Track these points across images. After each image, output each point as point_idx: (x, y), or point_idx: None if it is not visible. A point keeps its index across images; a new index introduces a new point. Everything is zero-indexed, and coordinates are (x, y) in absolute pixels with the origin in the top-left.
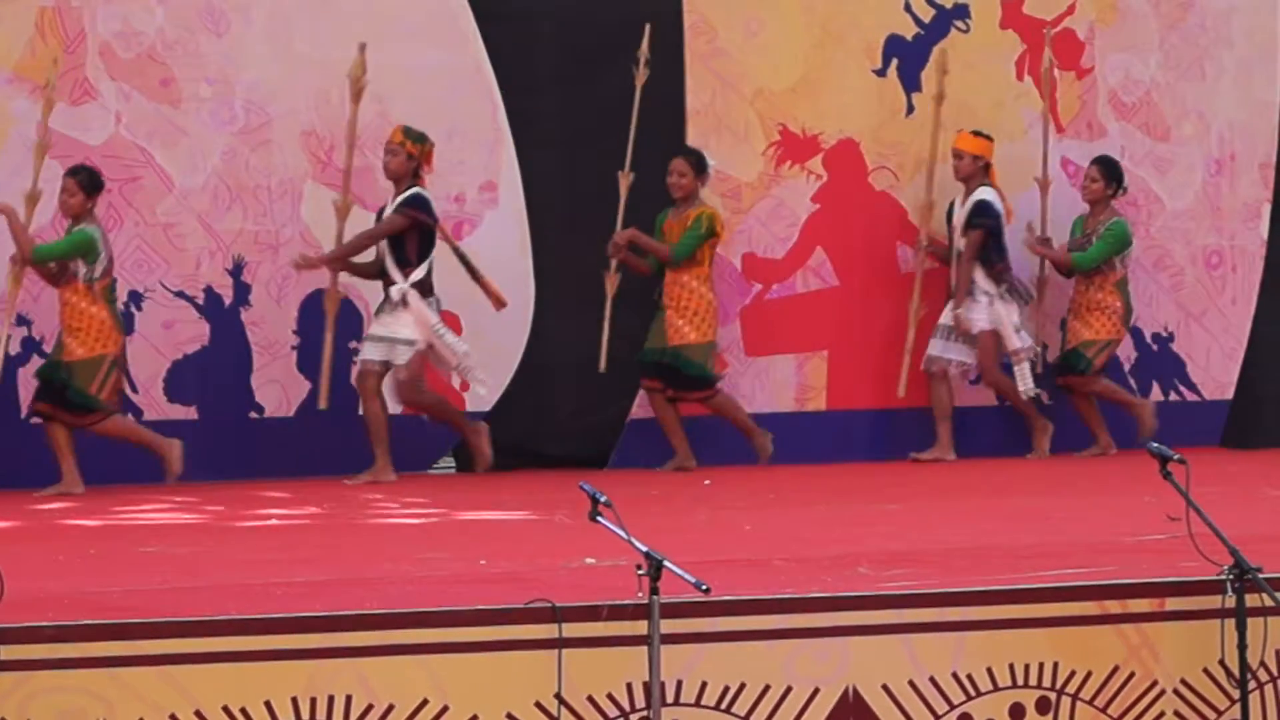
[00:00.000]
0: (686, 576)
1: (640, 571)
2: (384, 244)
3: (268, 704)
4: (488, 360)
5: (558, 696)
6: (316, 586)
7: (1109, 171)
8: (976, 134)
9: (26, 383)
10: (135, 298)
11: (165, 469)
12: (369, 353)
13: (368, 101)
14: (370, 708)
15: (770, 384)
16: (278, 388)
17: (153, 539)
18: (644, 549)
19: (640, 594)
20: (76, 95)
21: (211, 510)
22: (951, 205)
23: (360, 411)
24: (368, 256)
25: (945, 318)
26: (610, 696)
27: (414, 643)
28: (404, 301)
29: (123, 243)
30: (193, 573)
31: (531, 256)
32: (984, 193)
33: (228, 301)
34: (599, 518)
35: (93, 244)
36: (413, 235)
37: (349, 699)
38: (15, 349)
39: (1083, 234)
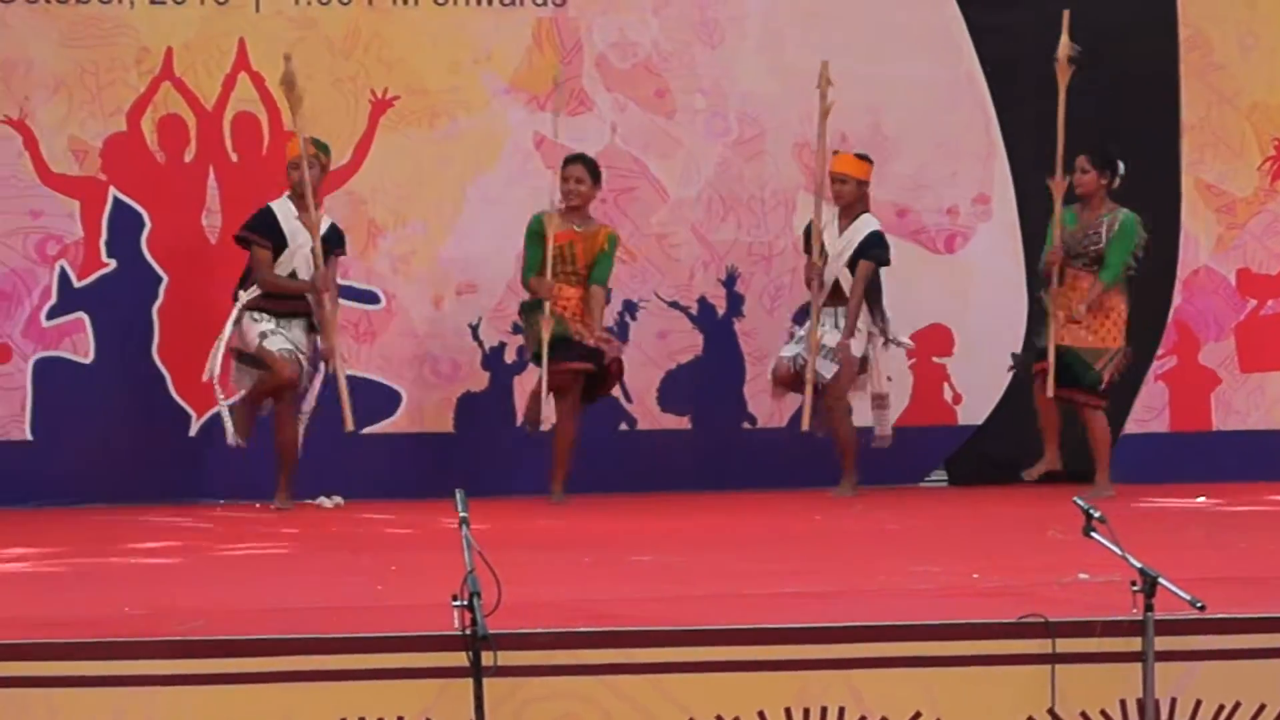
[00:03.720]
0: (1181, 594)
1: (1134, 588)
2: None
3: (760, 714)
4: (981, 372)
5: (1051, 712)
6: (808, 598)
7: (1099, 160)
8: (860, 157)
9: (520, 390)
10: (630, 307)
11: None
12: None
13: (861, 112)
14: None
15: (1265, 401)
16: (769, 398)
17: (645, 548)
18: (1138, 565)
19: (1134, 610)
20: (573, 106)
21: (702, 520)
22: (809, 227)
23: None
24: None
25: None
26: (1104, 713)
27: (906, 655)
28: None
29: (618, 252)
30: (685, 582)
31: (1024, 269)
32: (871, 221)
33: (721, 312)
34: (1093, 533)
35: None
36: None
37: (841, 710)
38: (511, 357)
39: (1079, 227)
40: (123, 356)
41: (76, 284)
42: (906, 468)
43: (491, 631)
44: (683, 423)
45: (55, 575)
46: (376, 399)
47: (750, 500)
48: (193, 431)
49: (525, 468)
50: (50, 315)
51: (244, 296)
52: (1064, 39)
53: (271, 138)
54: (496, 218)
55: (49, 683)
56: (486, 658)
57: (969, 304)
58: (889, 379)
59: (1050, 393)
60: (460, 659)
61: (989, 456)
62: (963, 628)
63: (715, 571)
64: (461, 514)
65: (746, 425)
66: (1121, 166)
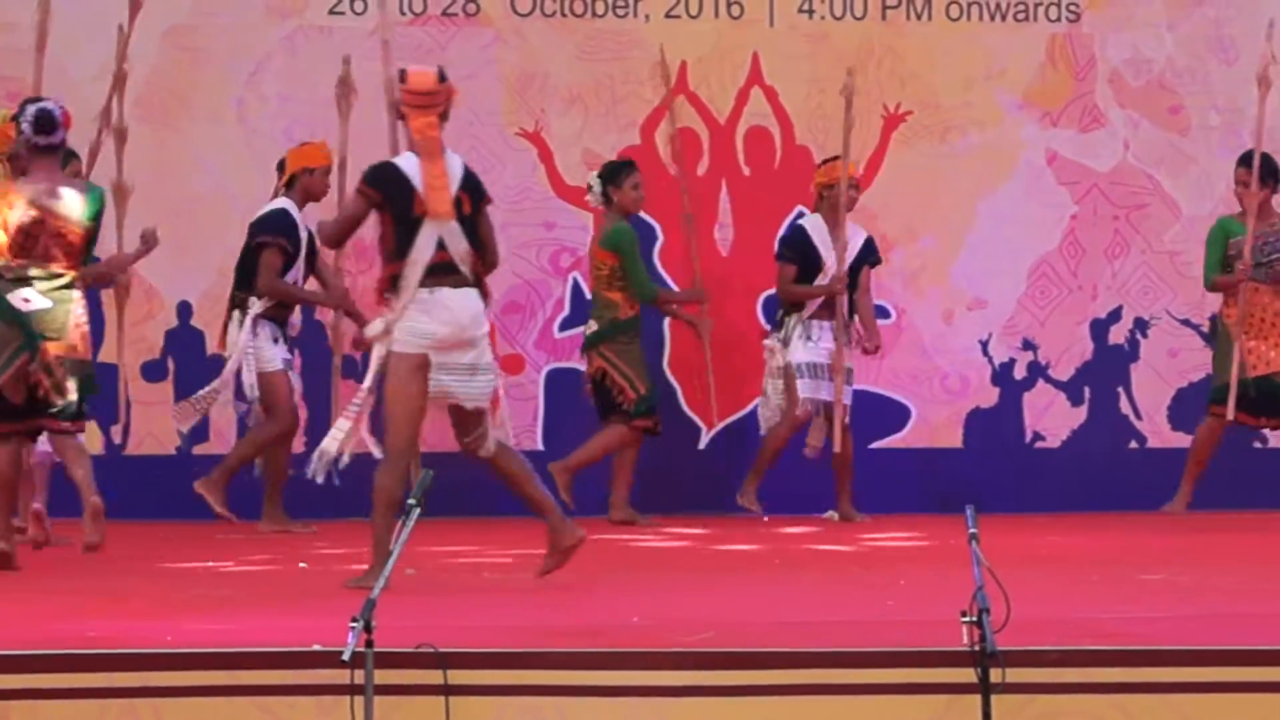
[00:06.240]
0: None
1: None
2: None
3: None
4: None
5: None
6: None
7: (1263, 170)
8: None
9: (1029, 405)
10: (1140, 325)
11: None
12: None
13: None
14: None
15: None
16: None
17: (1153, 566)
18: None
19: None
20: (1085, 122)
21: (1210, 538)
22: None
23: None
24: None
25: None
26: None
27: None
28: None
29: (1129, 269)
30: (1193, 600)
31: None
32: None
33: None
34: None
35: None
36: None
37: None
38: (1021, 373)
39: (1257, 233)
40: None
41: (589, 295)
42: None
43: (1000, 648)
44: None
45: (566, 584)
46: (886, 414)
47: (1261, 519)
48: (702, 444)
49: (1035, 484)
50: (563, 326)
51: (256, 306)
52: (1266, 51)
53: (784, 152)
54: (1008, 234)
55: (561, 691)
56: (995, 674)
57: None
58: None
59: (1231, 416)
60: (968, 675)
61: None
62: None
63: (1224, 590)
64: (971, 530)
65: (1258, 444)
66: None
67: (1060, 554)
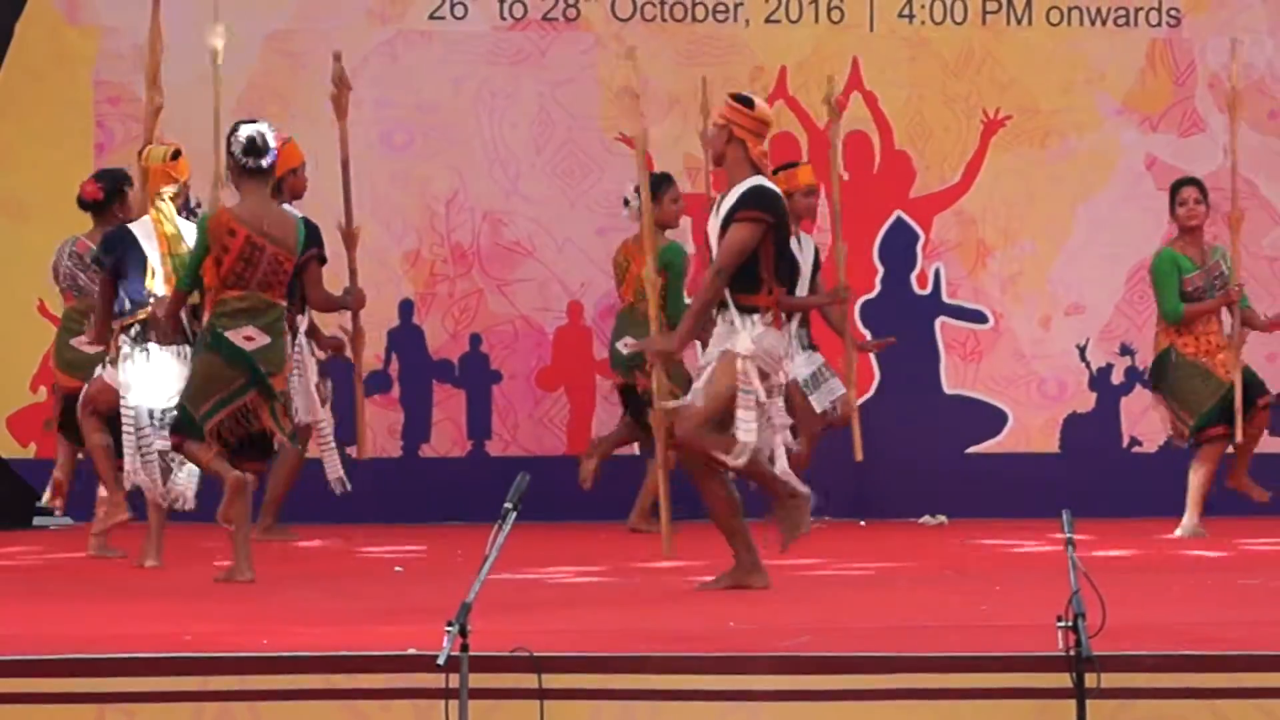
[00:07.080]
0: None
1: None
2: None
3: None
4: None
5: None
6: None
7: (1205, 191)
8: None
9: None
10: None
11: None
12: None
13: None
14: None
15: None
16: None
17: (1254, 571)
18: None
19: None
20: (1184, 127)
21: None
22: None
23: None
24: None
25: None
26: None
27: None
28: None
29: None
30: None
31: None
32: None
33: None
34: None
35: None
36: None
37: None
38: (1119, 378)
39: (1204, 267)
40: None
41: (686, 300)
42: None
43: (1096, 653)
44: None
45: (661, 588)
46: (982, 419)
47: None
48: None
49: (1132, 489)
50: None
51: (303, 323)
52: (1233, 67)
53: (883, 157)
54: (1106, 239)
55: (656, 695)
56: (1090, 679)
57: None
58: None
59: (1239, 436)
60: (1063, 680)
61: None
62: None
63: None
64: (1068, 535)
65: None
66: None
67: (1156, 559)
